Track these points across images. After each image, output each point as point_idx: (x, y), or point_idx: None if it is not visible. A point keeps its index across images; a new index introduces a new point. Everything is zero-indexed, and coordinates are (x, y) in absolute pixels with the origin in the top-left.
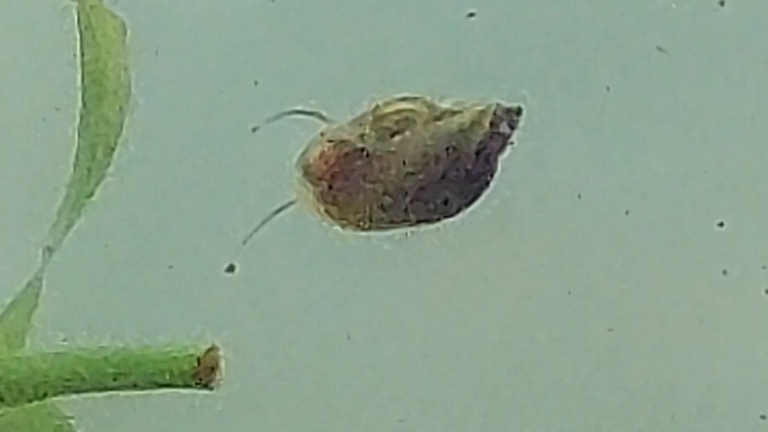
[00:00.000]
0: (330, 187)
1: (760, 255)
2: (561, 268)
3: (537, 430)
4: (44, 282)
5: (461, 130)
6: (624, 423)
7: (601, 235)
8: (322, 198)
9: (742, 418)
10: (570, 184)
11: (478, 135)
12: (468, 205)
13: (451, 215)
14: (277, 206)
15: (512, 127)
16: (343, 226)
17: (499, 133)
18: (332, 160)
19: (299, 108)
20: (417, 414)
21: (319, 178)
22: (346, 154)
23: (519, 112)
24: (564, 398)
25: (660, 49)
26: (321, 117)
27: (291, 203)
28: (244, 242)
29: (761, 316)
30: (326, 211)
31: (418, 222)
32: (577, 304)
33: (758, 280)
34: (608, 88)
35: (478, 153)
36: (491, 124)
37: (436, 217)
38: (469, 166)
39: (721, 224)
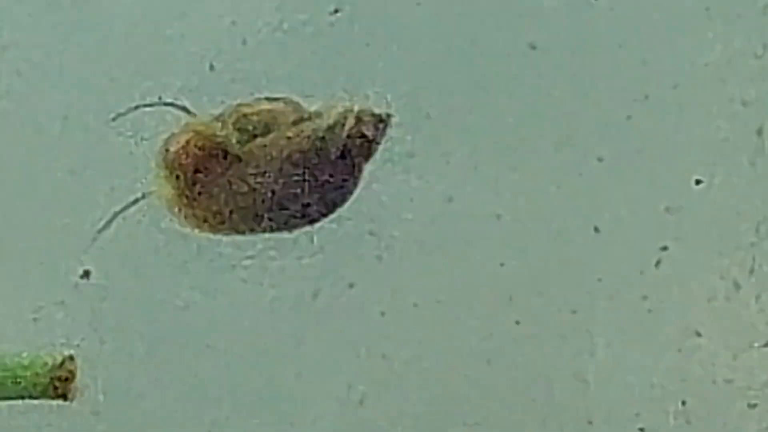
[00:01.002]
0: (187, 182)
1: (635, 260)
2: (431, 276)
3: None
4: None
5: (324, 134)
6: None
7: (473, 240)
8: (178, 193)
9: (619, 428)
10: (440, 187)
11: (341, 139)
12: (330, 212)
13: (312, 222)
14: (130, 199)
15: (380, 133)
16: (197, 228)
17: (364, 139)
18: (194, 152)
19: (166, 100)
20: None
21: (179, 169)
22: (209, 149)
23: (387, 117)
24: (433, 411)
25: (533, 46)
26: (186, 111)
27: (144, 196)
28: (93, 240)
29: (637, 322)
30: (181, 208)
31: (277, 228)
32: (447, 312)
33: (634, 286)
34: (480, 88)
35: (341, 158)
36: (356, 128)
37: (296, 223)
38: (330, 172)
39: (597, 229)
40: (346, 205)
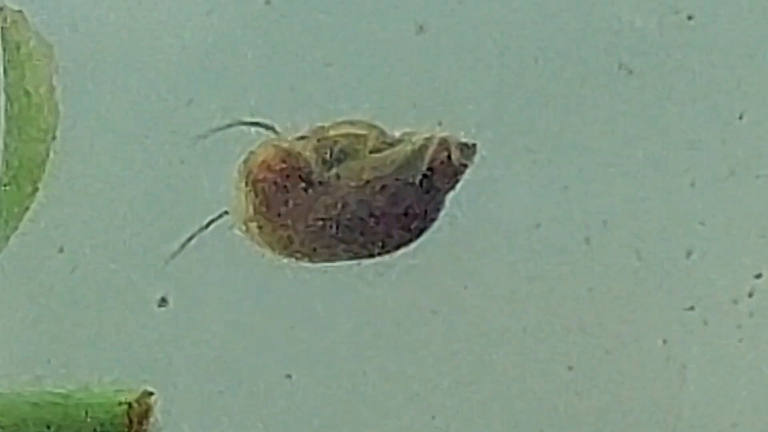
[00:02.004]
0: (265, 199)
1: (729, 288)
2: (517, 303)
3: None
4: None
5: (407, 161)
6: None
7: (561, 266)
8: (255, 210)
9: None
10: (528, 213)
11: (424, 168)
12: (411, 240)
13: (393, 250)
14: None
15: (464, 164)
16: (274, 250)
17: (448, 168)
18: (274, 169)
19: (250, 120)
20: None
21: (258, 186)
22: (290, 168)
23: (473, 148)
24: None
25: (625, 68)
26: (271, 129)
27: (221, 216)
28: (171, 257)
29: (730, 351)
30: (257, 228)
31: (357, 256)
32: (534, 340)
33: (728, 314)
34: (569, 111)
35: (423, 186)
36: (440, 156)
37: (377, 251)
38: (413, 200)
39: (689, 255)
40: (428, 233)
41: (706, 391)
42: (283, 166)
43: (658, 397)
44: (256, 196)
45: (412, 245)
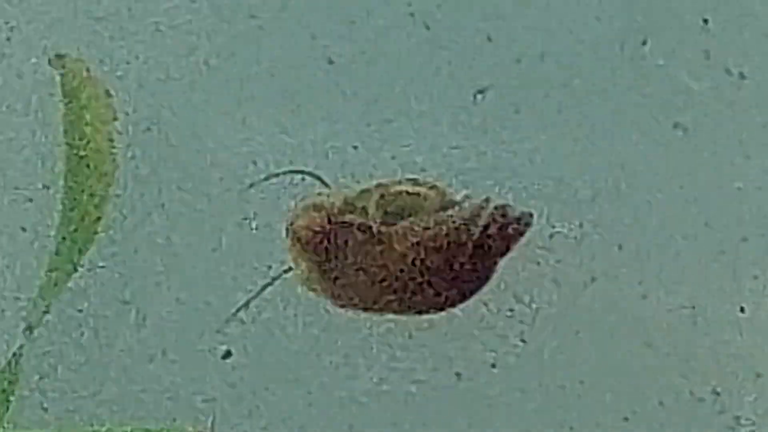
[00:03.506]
0: (320, 260)
1: None
2: (574, 357)
3: None
4: (23, 359)
5: (464, 224)
6: None
7: (618, 320)
8: (311, 272)
9: None
10: (583, 268)
11: (480, 231)
12: (462, 300)
13: (443, 309)
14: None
15: (520, 232)
16: (333, 301)
17: (503, 234)
18: (322, 229)
19: (301, 168)
20: None
21: (310, 248)
22: (338, 224)
23: (529, 217)
24: None
25: (678, 126)
26: (322, 181)
27: (288, 270)
28: (235, 313)
29: None
30: (319, 282)
31: (409, 310)
32: (591, 393)
33: None
34: (623, 170)
35: (478, 249)
36: (496, 223)
37: (427, 308)
38: (466, 262)
39: (742, 310)
40: (483, 290)
41: None
42: (329, 227)
43: None
44: (309, 258)
45: (462, 305)
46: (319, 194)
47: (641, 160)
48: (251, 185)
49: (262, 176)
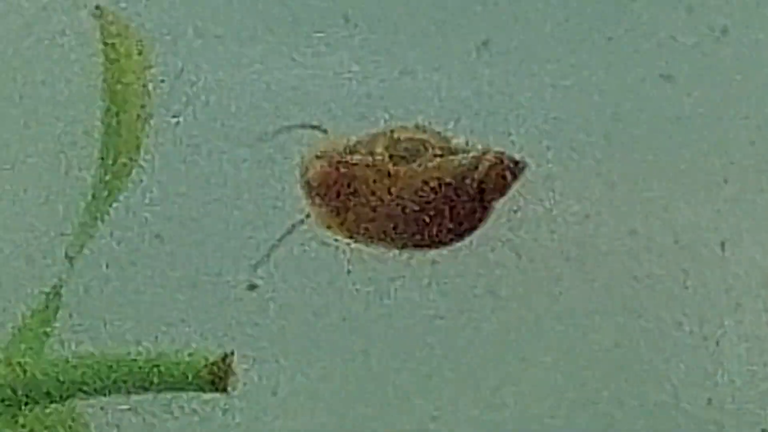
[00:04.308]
0: (334, 200)
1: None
2: (565, 289)
3: None
4: (64, 289)
5: (464, 171)
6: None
7: (607, 250)
8: (330, 218)
9: None
10: (578, 207)
11: (479, 179)
12: (461, 238)
13: (443, 245)
14: (292, 223)
15: (515, 177)
16: (349, 238)
17: (499, 181)
18: (333, 176)
19: (301, 123)
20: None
21: (323, 192)
22: (347, 166)
23: (523, 165)
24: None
25: (664, 76)
26: (323, 131)
27: (303, 221)
28: (261, 262)
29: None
30: (334, 221)
31: (410, 247)
32: (582, 322)
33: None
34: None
35: (475, 194)
36: (494, 171)
37: (428, 244)
38: (464, 206)
39: (723, 246)
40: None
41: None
42: (340, 171)
43: (696, 386)
44: (323, 202)
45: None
46: (325, 140)
47: (632, 106)
48: (263, 137)
49: (274, 127)
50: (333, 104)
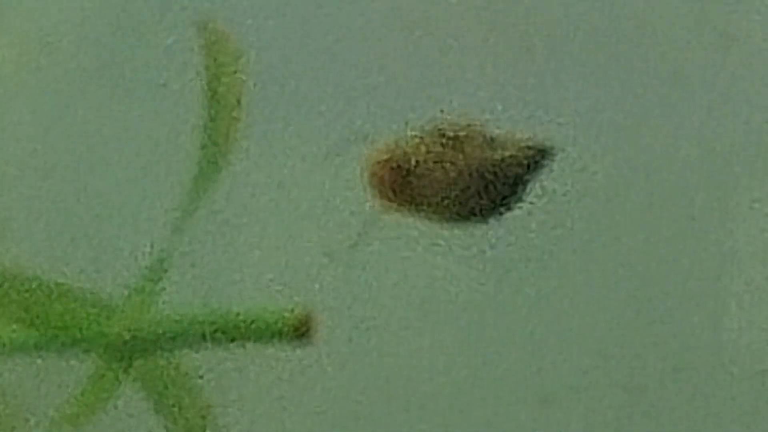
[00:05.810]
0: (402, 200)
1: None
2: (585, 243)
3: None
4: (174, 254)
5: (505, 161)
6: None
7: (620, 219)
8: (395, 209)
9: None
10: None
11: (517, 169)
12: (501, 215)
13: (486, 219)
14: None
15: (547, 162)
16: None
17: (535, 169)
18: (388, 178)
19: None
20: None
21: (391, 195)
22: (398, 166)
23: (553, 151)
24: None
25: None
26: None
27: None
28: (354, 244)
29: None
30: (398, 205)
31: (464, 219)
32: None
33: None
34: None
35: (515, 181)
36: (532, 161)
37: (476, 219)
38: (505, 193)
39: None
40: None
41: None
42: (394, 172)
43: (701, 327)
44: (388, 194)
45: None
46: (376, 140)
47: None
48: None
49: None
50: (388, 107)
